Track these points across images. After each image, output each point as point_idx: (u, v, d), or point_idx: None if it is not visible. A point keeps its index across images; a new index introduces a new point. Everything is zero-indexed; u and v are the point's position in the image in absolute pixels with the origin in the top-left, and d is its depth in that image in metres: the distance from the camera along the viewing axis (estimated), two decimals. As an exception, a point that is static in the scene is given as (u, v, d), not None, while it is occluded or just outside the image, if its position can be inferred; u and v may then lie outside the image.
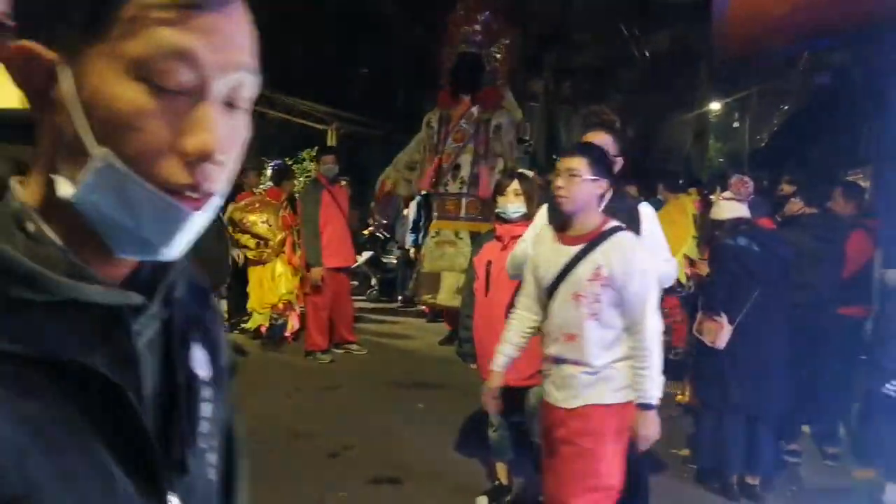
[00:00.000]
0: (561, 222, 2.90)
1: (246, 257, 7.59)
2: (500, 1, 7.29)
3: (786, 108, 14.38)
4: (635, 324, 2.76)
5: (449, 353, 6.84)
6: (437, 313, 8.84)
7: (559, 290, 2.82)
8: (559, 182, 2.79)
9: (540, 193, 4.06)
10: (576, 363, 2.80)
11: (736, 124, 26.67)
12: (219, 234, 4.64)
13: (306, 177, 12.33)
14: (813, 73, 7.54)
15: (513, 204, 3.89)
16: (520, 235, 3.75)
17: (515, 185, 3.92)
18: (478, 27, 6.82)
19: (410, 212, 10.08)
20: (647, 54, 31.54)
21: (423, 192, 7.41)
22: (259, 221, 7.53)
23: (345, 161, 14.26)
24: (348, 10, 15.49)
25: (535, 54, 27.63)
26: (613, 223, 2.85)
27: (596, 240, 2.78)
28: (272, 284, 7.62)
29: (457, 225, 6.74)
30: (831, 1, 5.13)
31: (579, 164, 2.77)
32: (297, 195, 7.86)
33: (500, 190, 3.97)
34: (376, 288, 11.50)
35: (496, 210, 3.99)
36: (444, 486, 4.28)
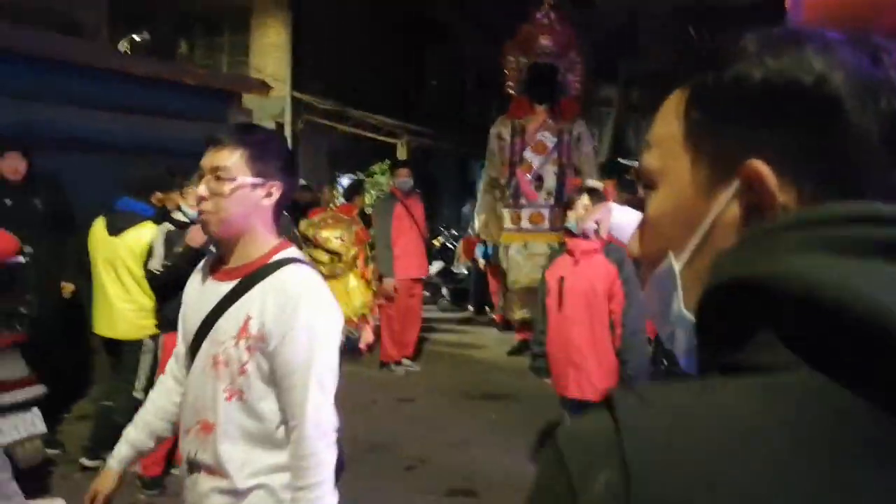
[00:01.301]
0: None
1: (320, 272, 7.72)
2: (572, 13, 7.25)
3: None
4: (292, 415, 1.76)
5: (519, 363, 6.81)
6: (508, 323, 8.82)
7: (200, 352, 1.87)
8: (200, 189, 1.82)
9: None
10: (210, 471, 1.82)
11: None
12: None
13: (378, 190, 12.48)
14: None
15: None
16: (592, 251, 3.83)
17: (586, 199, 3.92)
18: (553, 38, 6.80)
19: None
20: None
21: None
22: (332, 237, 7.64)
23: (415, 173, 14.45)
24: (415, 23, 15.66)
25: (607, 60, 27.47)
26: (288, 252, 1.89)
27: (254, 275, 1.83)
28: (346, 299, 7.71)
29: (546, 237, 6.77)
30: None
31: (229, 158, 1.80)
32: (368, 209, 7.99)
33: (570, 205, 3.99)
34: (447, 298, 11.56)
35: (566, 224, 4.01)
36: (519, 498, 4.24)
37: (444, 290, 11.60)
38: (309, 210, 8.20)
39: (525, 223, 7.01)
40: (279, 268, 1.82)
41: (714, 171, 0.60)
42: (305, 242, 7.63)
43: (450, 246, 11.75)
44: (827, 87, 0.56)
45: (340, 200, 9.38)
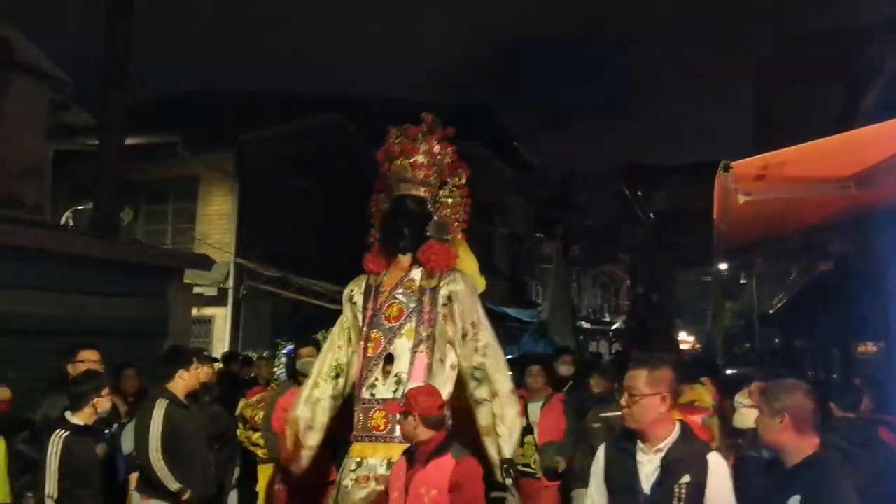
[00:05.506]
0: None
1: (257, 456, 7.46)
2: (449, 126, 4.93)
3: (793, 277, 14.55)
4: None
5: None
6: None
7: None
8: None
9: None
10: None
11: (743, 281, 26.97)
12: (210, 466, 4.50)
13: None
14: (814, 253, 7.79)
15: None
16: None
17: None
18: (421, 159, 4.71)
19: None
20: (651, 215, 32.64)
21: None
22: (270, 418, 7.45)
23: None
24: (357, 187, 16.07)
25: (546, 217, 28.66)
26: None
27: None
28: (283, 482, 7.44)
29: (388, 449, 4.20)
30: (828, 200, 5.29)
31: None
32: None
33: None
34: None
35: None
36: None
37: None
38: (249, 388, 8.04)
39: (360, 427, 4.39)
40: None
41: None
42: (243, 424, 7.41)
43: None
44: None
45: (280, 373, 9.25)
